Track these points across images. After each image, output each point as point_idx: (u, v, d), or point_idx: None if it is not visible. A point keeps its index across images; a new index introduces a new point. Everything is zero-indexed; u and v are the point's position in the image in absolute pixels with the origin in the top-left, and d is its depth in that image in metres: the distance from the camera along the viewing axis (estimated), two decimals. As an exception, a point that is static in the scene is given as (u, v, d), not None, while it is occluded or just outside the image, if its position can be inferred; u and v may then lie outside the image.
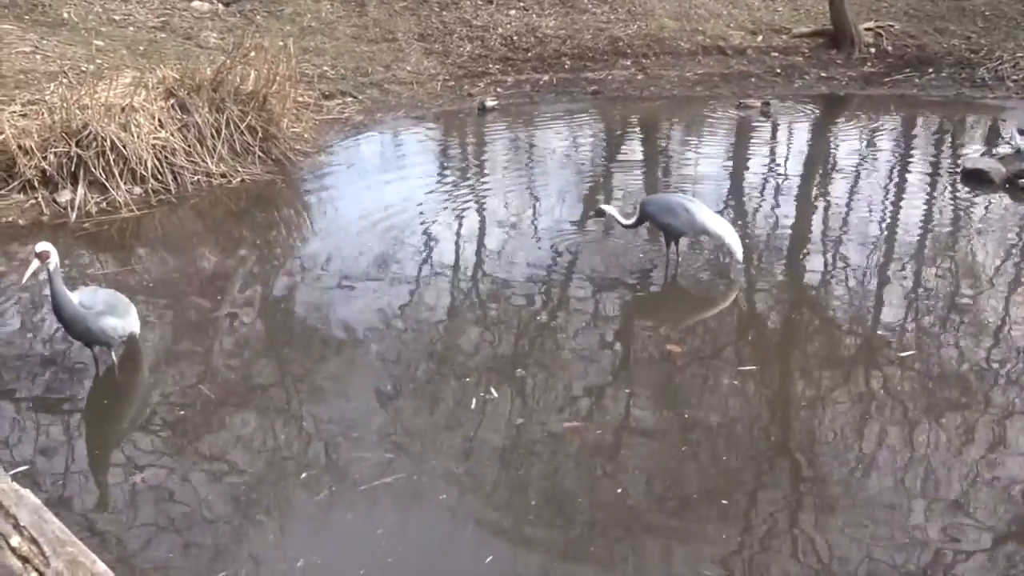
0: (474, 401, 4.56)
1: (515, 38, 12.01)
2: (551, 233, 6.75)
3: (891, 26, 12.44)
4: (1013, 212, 7.25)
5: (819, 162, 8.78)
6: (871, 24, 12.36)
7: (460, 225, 7.00)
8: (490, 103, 9.96)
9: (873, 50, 11.99)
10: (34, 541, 1.23)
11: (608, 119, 10.04)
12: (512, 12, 12.69)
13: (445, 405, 4.60)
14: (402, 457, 4.17)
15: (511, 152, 9.01)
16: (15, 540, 1.22)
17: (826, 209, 7.48)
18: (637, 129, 9.88)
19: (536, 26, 12.32)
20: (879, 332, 5.38)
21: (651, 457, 4.24)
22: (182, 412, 4.51)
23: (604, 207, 6.15)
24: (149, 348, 5.07)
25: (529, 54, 11.67)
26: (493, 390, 4.65)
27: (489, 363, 5.00)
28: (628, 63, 11.56)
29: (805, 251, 6.55)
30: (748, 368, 4.89)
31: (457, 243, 6.67)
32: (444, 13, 12.52)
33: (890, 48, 12.06)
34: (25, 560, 1.20)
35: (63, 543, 1.23)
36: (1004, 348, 5.11)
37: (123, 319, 4.62)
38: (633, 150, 9.33)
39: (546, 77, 11.12)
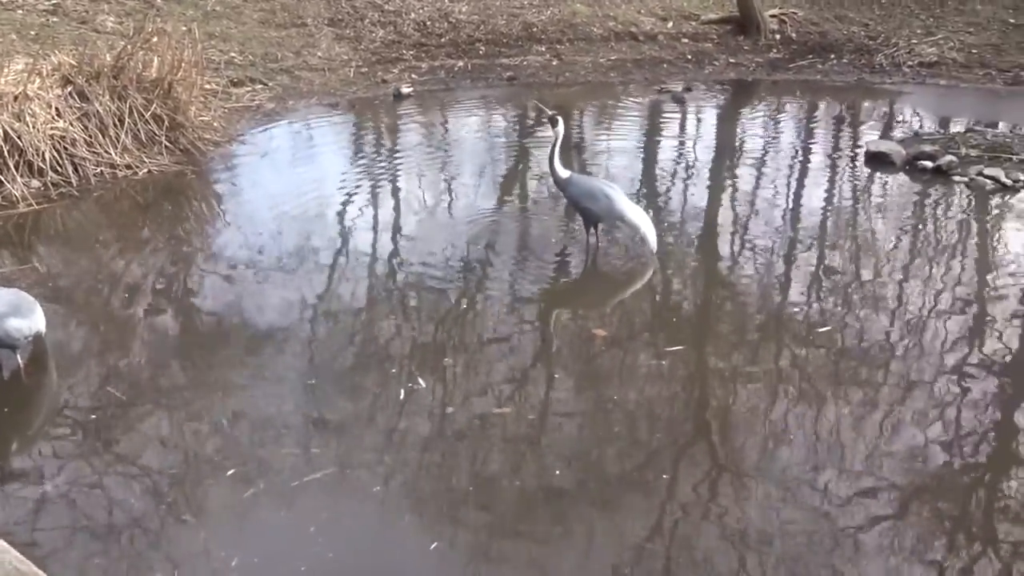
0: (401, 392, 4.52)
1: (428, 23, 11.89)
2: (468, 218, 6.74)
3: (795, 13, 12.84)
4: (911, 191, 7.60)
5: (729, 146, 9.01)
6: (776, 11, 12.73)
7: (376, 212, 6.92)
8: (405, 90, 9.85)
9: (778, 36, 12.36)
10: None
11: (524, 105, 10.06)
12: (424, -3, 12.55)
13: (370, 396, 4.54)
14: (330, 451, 4.10)
15: (427, 138, 8.93)
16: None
17: (736, 192, 7.68)
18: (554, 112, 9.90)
19: (449, 11, 12.22)
20: (795, 310, 5.57)
21: (582, 439, 4.28)
22: (93, 415, 4.33)
23: (560, 121, 6.09)
24: (55, 349, 4.83)
25: (443, 40, 11.58)
26: (420, 379, 4.61)
27: (412, 352, 4.96)
28: (543, 49, 11.59)
29: (719, 233, 6.72)
30: (674, 348, 4.99)
31: (373, 230, 6.59)
32: (355, -2, 12.29)
33: (794, 35, 12.45)
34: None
35: (23, 575, 1.13)
36: (905, 321, 5.36)
37: (28, 319, 4.38)
38: (549, 136, 9.31)
39: (461, 63, 11.05)
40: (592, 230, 6.05)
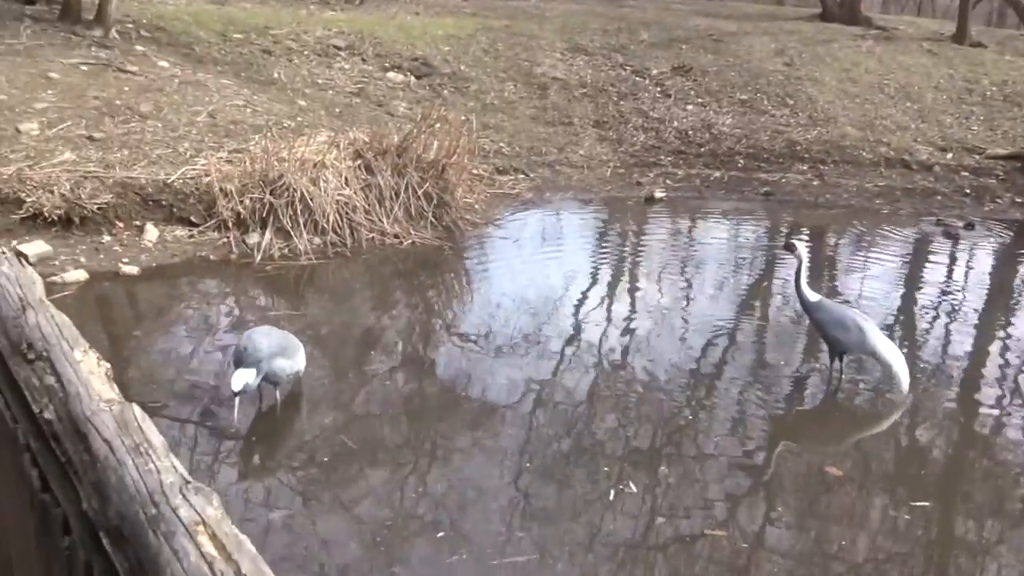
0: (611, 492, 4.45)
1: (690, 132, 12.06)
2: (703, 327, 6.61)
3: (1101, 156, 11.59)
4: None
5: (1007, 291, 8.18)
6: (1078, 152, 11.56)
7: (611, 308, 7.00)
8: (658, 194, 9.99)
9: (1079, 180, 11.18)
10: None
11: (777, 222, 9.83)
12: (690, 107, 12.78)
13: (579, 489, 4.51)
14: (533, 536, 4.10)
15: (672, 243, 8.96)
16: (238, 591, 1.19)
17: (1009, 341, 6.90)
18: (807, 235, 9.59)
19: (712, 123, 12.33)
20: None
21: (793, 582, 3.96)
22: (326, 458, 4.65)
23: (798, 243, 5.86)
24: (308, 391, 5.30)
25: (702, 149, 11.68)
26: (632, 484, 4.52)
27: (627, 454, 4.88)
28: (804, 168, 11.32)
29: (983, 384, 6.06)
30: (918, 504, 4.52)
31: (606, 326, 6.65)
32: (622, 103, 12.78)
33: (1099, 179, 11.21)
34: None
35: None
36: None
37: (292, 359, 4.89)
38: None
39: (717, 174, 11.05)
40: (837, 360, 5.69)
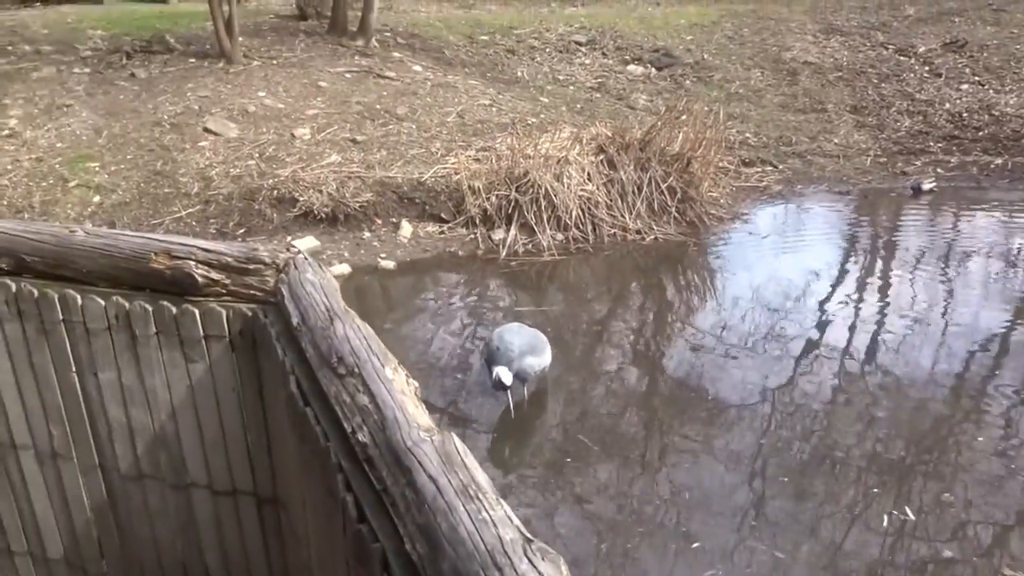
0: (884, 519, 4.04)
1: (965, 115, 10.83)
2: (971, 334, 5.90)
3: None
4: None
5: None
6: None
7: (859, 310, 6.42)
8: (927, 185, 9.05)
9: None
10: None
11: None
12: (964, 87, 11.49)
13: (820, 504, 4.15)
14: (767, 546, 3.82)
15: (942, 240, 8.06)
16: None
17: None
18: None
19: (992, 103, 10.99)
20: None
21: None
22: (568, 459, 4.64)
23: None
24: (550, 387, 5.34)
25: (980, 133, 10.43)
26: (908, 511, 4.08)
27: (872, 466, 4.43)
28: (1111, 151, 9.77)
29: None
30: None
31: (852, 329, 6.11)
32: (883, 85, 11.74)
33: None
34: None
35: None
36: None
37: (540, 357, 4.96)
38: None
39: (999, 160, 9.82)
40: None
